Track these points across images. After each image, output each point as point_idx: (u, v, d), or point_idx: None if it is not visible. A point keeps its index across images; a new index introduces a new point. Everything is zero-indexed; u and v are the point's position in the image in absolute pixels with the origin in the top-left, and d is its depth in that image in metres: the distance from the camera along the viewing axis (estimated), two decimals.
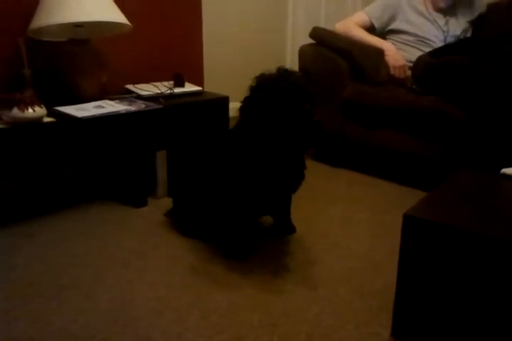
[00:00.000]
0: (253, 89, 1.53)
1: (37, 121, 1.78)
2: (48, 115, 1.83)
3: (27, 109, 1.73)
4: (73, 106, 1.95)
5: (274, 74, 1.52)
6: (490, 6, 2.60)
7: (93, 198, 2.16)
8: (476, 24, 2.60)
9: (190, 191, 1.84)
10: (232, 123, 1.81)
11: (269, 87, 1.48)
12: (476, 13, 2.58)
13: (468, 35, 2.57)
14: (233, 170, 1.62)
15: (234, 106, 2.24)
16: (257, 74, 1.54)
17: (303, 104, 1.46)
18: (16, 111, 1.72)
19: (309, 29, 2.59)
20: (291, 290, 1.54)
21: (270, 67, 1.56)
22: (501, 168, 1.49)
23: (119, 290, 1.53)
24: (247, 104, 1.54)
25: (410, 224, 1.24)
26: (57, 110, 1.90)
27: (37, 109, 1.75)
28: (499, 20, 2.55)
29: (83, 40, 2.02)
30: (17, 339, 1.32)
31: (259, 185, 1.59)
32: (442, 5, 2.51)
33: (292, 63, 3.08)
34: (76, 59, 1.99)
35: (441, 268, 1.21)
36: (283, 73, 1.51)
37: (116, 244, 1.80)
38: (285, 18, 3.46)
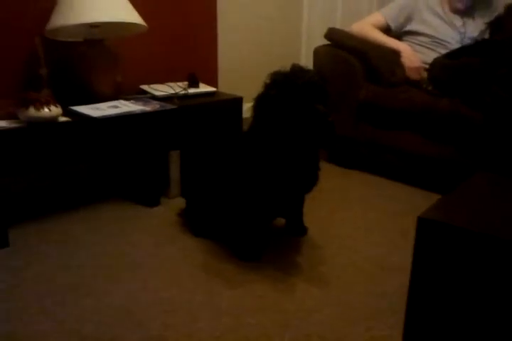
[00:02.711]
0: (267, 86, 1.51)
1: (52, 121, 1.79)
2: (64, 114, 1.84)
3: (43, 109, 1.74)
4: (88, 106, 1.96)
5: (289, 71, 1.50)
6: (508, 8, 2.57)
7: (106, 197, 2.17)
8: (493, 26, 2.57)
9: (203, 191, 1.84)
10: (246, 124, 1.81)
11: (284, 85, 1.46)
12: (494, 15, 2.55)
13: (486, 36, 2.53)
14: (246, 170, 1.62)
15: (248, 107, 2.24)
16: (272, 72, 1.53)
17: (317, 104, 1.45)
18: (32, 111, 1.73)
19: (324, 30, 2.58)
20: (303, 292, 1.53)
21: (285, 68, 1.55)
22: None
23: (132, 289, 1.54)
24: (260, 101, 1.53)
25: (425, 226, 1.22)
26: (73, 109, 1.92)
27: (53, 108, 1.77)
28: None
29: (99, 40, 2.04)
30: (30, 338, 1.33)
31: (273, 186, 1.59)
32: (460, 6, 2.48)
33: (307, 64, 3.06)
34: (91, 59, 2.01)
35: (455, 272, 1.20)
36: (298, 70, 1.50)
37: (129, 244, 1.81)
38: (300, 19, 3.45)
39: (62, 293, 1.52)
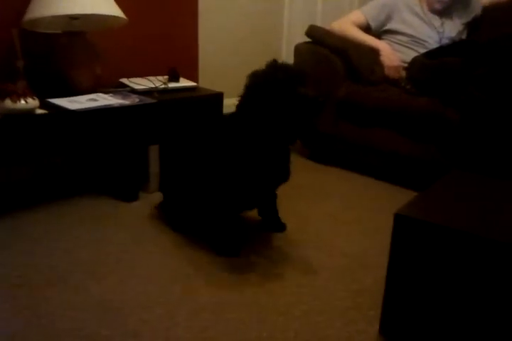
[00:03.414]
0: (249, 88, 1.53)
1: (29, 113, 1.77)
2: (41, 107, 1.82)
3: (19, 101, 1.71)
4: (66, 99, 1.94)
5: (266, 69, 1.52)
6: (485, 9, 2.61)
7: (84, 192, 2.15)
8: (470, 26, 2.61)
9: (180, 186, 1.84)
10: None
11: (264, 84, 1.48)
12: (472, 16, 2.59)
13: (463, 37, 2.58)
14: (223, 162, 1.63)
15: (228, 103, 2.24)
16: (250, 73, 1.55)
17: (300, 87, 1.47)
18: (8, 103, 1.70)
19: (306, 27, 2.59)
20: (281, 288, 1.54)
21: (266, 64, 1.55)
22: (494, 170, 1.49)
23: (109, 284, 1.53)
24: (242, 102, 1.55)
25: (401, 223, 1.24)
26: (50, 102, 1.89)
27: (29, 100, 1.74)
28: (494, 23, 2.56)
29: (78, 32, 2.01)
30: (3, 333, 1.31)
31: (246, 175, 1.60)
32: (438, 7, 2.51)
33: (288, 61, 3.06)
34: (70, 51, 1.98)
35: (430, 267, 1.22)
36: (274, 65, 1.53)
37: (107, 239, 1.79)
38: (281, 16, 3.45)
39: (37, 288, 1.50)
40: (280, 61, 1.55)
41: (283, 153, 1.65)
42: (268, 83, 1.47)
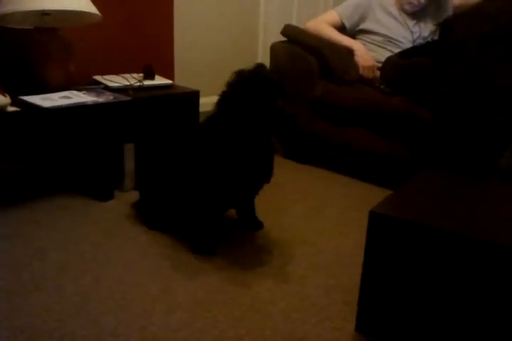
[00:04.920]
0: (230, 86, 1.53)
1: (1, 110, 1.73)
2: (13, 104, 1.78)
3: None
4: (39, 96, 1.90)
5: (250, 70, 1.52)
6: (456, 10, 2.66)
7: (58, 191, 2.11)
8: (442, 27, 2.65)
9: (156, 184, 1.83)
10: (202, 118, 1.80)
11: (244, 83, 1.49)
12: (444, 17, 2.64)
13: (436, 37, 2.62)
14: (202, 163, 1.62)
15: (204, 101, 2.23)
16: (235, 70, 1.54)
17: (275, 100, 1.47)
18: None
19: (281, 26, 2.59)
20: (258, 285, 1.54)
21: (242, 62, 1.56)
22: (465, 168, 1.52)
23: (84, 284, 1.51)
24: (223, 99, 1.55)
25: (376, 220, 1.26)
26: (22, 99, 1.86)
27: (1, 97, 1.71)
28: (465, 23, 2.61)
29: (50, 28, 1.98)
30: None
31: (228, 178, 1.60)
32: (408, 8, 2.54)
33: (264, 60, 3.07)
34: (42, 48, 1.95)
35: (405, 264, 1.24)
36: (259, 68, 1.52)
37: (82, 238, 1.77)
38: (257, 15, 3.46)
39: (10, 288, 1.47)
40: (266, 67, 1.57)
41: (266, 153, 1.65)
42: (247, 87, 1.48)
